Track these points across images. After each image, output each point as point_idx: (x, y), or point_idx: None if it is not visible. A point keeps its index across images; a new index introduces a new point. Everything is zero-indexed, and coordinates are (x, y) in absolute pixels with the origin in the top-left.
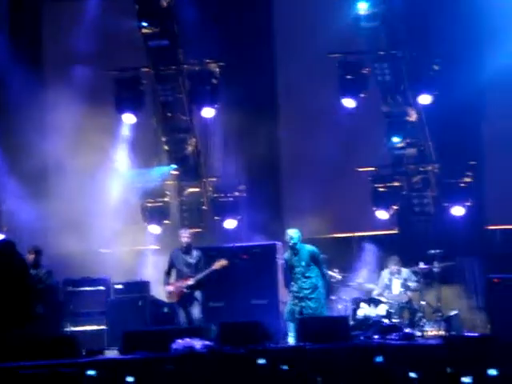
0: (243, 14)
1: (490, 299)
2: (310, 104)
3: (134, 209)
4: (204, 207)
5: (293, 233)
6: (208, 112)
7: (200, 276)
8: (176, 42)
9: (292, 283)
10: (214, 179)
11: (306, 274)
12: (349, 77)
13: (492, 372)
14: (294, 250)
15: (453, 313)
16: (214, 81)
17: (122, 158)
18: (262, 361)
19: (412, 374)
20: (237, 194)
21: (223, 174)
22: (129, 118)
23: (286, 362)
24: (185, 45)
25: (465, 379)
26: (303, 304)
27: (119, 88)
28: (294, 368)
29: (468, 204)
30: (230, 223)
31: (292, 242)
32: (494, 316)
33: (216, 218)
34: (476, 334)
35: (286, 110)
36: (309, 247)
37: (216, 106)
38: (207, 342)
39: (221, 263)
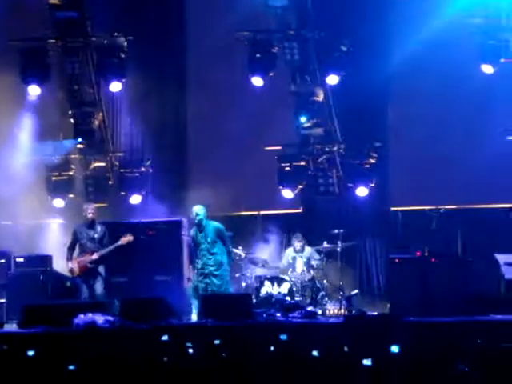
0: None
1: (391, 279)
2: (219, 81)
3: (38, 181)
4: (110, 182)
5: (199, 209)
6: (115, 86)
7: (104, 251)
8: (84, 14)
9: (197, 260)
10: (121, 154)
11: (212, 251)
12: (258, 55)
13: (394, 349)
14: (200, 226)
15: (354, 292)
16: (122, 55)
17: (26, 130)
18: (165, 337)
19: (314, 353)
20: (143, 169)
21: (129, 149)
22: (34, 90)
23: (189, 339)
24: (93, 17)
25: (365, 361)
26: (208, 281)
27: (25, 59)
28: (196, 345)
29: (372, 185)
30: (135, 198)
31: (198, 218)
32: (394, 295)
33: (122, 193)
34: (376, 313)
35: (196, 87)
36: (214, 224)
37: (123, 80)
38: (110, 318)
39: (127, 238)
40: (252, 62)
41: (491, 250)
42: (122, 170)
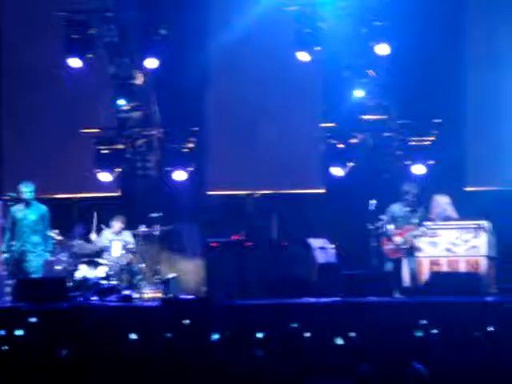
0: None
1: (208, 262)
2: (35, 63)
3: None
4: None
5: (30, 187)
6: None
7: None
8: None
9: (13, 241)
10: None
11: (33, 232)
12: (75, 36)
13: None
14: (28, 204)
15: (171, 275)
16: None
17: None
18: None
19: (133, 336)
20: None
21: None
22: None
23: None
24: None
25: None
26: (26, 264)
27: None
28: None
29: (190, 169)
30: None
31: (29, 196)
32: (211, 279)
33: None
34: (192, 297)
35: (10, 67)
36: (41, 205)
37: None
38: None
39: None
40: (69, 43)
41: (306, 234)
42: None
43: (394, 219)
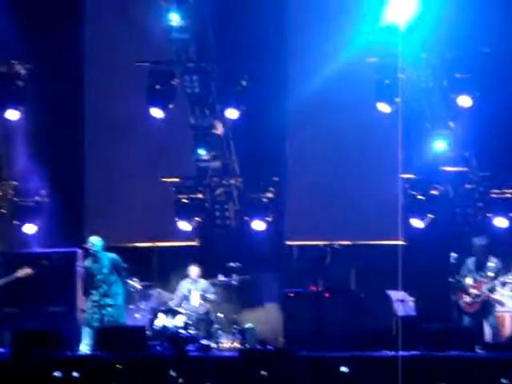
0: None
1: (286, 313)
2: (118, 112)
3: None
4: (2, 210)
5: (95, 240)
6: (12, 114)
7: (1, 281)
8: None
9: (92, 291)
10: (15, 182)
11: (107, 282)
12: (157, 87)
13: None
14: (96, 257)
15: (248, 326)
16: (20, 83)
17: None
18: (58, 373)
19: None
20: (38, 198)
21: (25, 177)
22: None
23: (81, 371)
24: None
25: None
26: (104, 312)
27: None
28: (88, 377)
29: (268, 219)
30: (29, 228)
31: (94, 249)
32: (289, 329)
33: (15, 222)
34: (270, 347)
35: (93, 118)
36: (110, 255)
37: (21, 108)
38: (1, 349)
39: (25, 271)
40: (151, 93)
41: (383, 286)
42: (15, 199)
43: (470, 272)
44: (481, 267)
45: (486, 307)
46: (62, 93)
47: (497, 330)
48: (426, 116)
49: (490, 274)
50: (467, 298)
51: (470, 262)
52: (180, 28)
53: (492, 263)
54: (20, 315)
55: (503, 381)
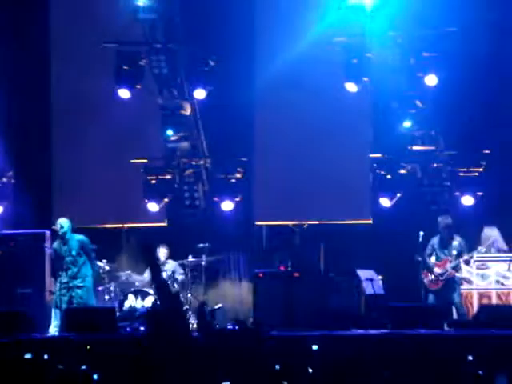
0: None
1: (255, 293)
2: (85, 93)
3: None
4: None
5: (63, 222)
6: None
7: None
8: None
9: (60, 272)
10: None
11: (76, 264)
12: (125, 67)
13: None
14: (64, 239)
15: (217, 306)
16: None
17: None
18: (28, 355)
19: None
20: (5, 179)
21: None
22: None
23: (50, 353)
24: None
25: None
26: (72, 293)
27: None
28: (56, 358)
29: (237, 199)
30: None
31: (62, 231)
32: (258, 309)
33: None
34: (239, 327)
35: (61, 99)
36: (78, 236)
37: None
38: None
39: None
40: (118, 73)
41: (352, 265)
42: None
43: (434, 251)
44: (445, 246)
45: (450, 285)
46: (29, 74)
47: (462, 307)
48: (393, 95)
49: (454, 252)
50: (431, 276)
51: (435, 240)
52: (147, 8)
53: (456, 241)
54: None
55: (479, 372)
